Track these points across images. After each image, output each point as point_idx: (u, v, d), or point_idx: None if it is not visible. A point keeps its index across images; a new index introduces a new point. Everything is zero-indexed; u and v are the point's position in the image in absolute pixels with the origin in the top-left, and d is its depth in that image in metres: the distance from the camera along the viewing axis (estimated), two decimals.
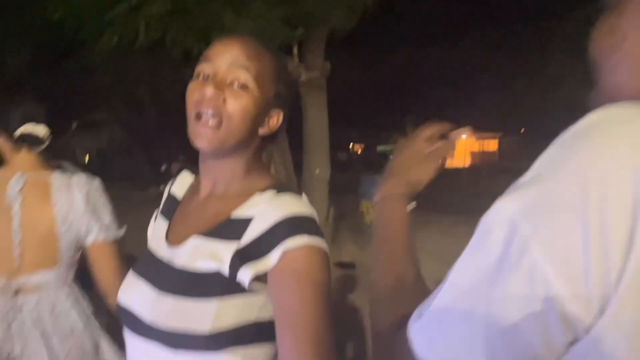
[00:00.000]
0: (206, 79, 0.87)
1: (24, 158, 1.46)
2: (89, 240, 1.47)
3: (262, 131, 0.93)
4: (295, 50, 5.69)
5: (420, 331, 0.60)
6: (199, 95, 0.86)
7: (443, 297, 0.60)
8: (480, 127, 38.06)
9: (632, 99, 0.55)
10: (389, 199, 0.88)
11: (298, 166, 5.52)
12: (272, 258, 0.79)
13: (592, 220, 0.46)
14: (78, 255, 1.51)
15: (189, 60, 6.14)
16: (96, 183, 1.55)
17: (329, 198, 6.38)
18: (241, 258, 0.82)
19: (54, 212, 1.41)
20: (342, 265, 5.92)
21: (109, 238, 1.50)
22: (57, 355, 1.34)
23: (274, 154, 1.01)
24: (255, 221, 0.83)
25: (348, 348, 3.74)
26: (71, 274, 1.50)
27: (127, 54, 5.46)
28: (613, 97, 0.59)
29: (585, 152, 0.50)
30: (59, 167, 1.54)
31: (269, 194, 0.87)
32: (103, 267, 1.47)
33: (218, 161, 0.92)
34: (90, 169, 2.31)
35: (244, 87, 0.86)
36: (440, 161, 0.96)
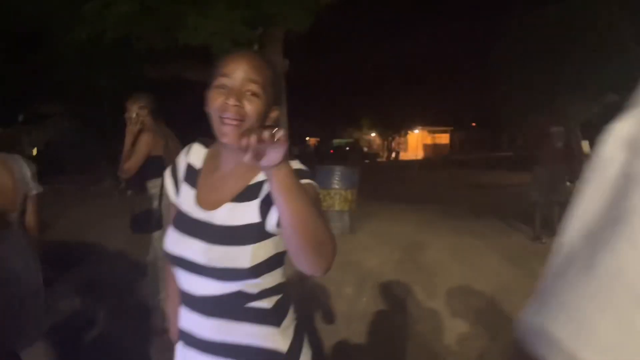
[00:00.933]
0: (224, 88, 1.16)
1: None
2: (31, 193, 2.32)
3: (267, 122, 1.21)
4: (256, 48, 6.04)
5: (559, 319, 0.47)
6: (221, 103, 1.13)
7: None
8: (433, 122, 39.19)
9: None
10: None
11: None
12: None
13: None
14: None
15: (152, 56, 6.40)
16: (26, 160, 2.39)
17: None
18: (264, 207, 1.15)
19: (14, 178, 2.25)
20: None
21: (39, 191, 2.36)
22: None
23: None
24: (266, 181, 1.14)
25: (316, 317, 4.17)
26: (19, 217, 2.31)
27: (91, 48, 5.63)
28: None
29: None
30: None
31: None
32: (33, 211, 2.35)
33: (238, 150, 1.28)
34: (38, 162, 2.65)
35: (255, 94, 1.15)
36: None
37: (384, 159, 37.84)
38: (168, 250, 1.24)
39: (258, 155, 0.86)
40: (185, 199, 1.29)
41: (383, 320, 3.98)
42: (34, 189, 2.36)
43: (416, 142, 42.92)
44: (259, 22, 5.57)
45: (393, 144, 40.56)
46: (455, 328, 3.78)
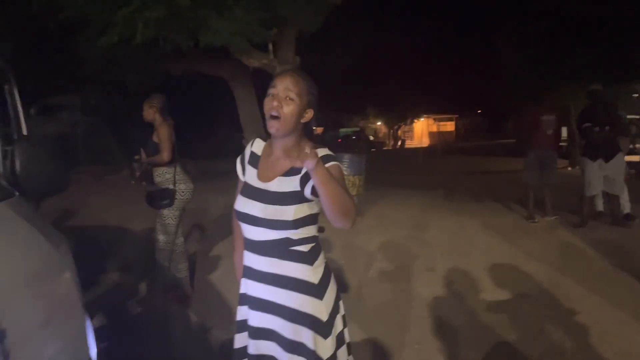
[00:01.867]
0: (272, 95, 1.73)
1: None
2: None
3: (303, 120, 1.74)
4: (270, 47, 6.57)
5: None
6: (269, 106, 1.70)
7: None
8: (438, 110, 39.48)
9: None
10: None
11: None
12: None
13: None
14: None
15: (175, 54, 6.94)
16: None
17: None
18: (303, 180, 1.67)
19: None
20: None
21: None
22: None
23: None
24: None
25: None
26: None
27: (120, 48, 6.15)
28: None
29: None
30: None
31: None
32: None
33: (283, 139, 1.78)
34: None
35: (291, 99, 1.69)
36: None
37: (390, 147, 38.28)
38: (237, 209, 1.80)
39: (301, 162, 1.43)
40: (249, 176, 1.85)
41: (390, 287, 4.56)
42: None
43: (422, 130, 43.24)
44: (273, 23, 6.08)
45: (399, 132, 40.96)
46: (452, 294, 4.36)
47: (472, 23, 33.17)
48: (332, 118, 33.67)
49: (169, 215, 4.20)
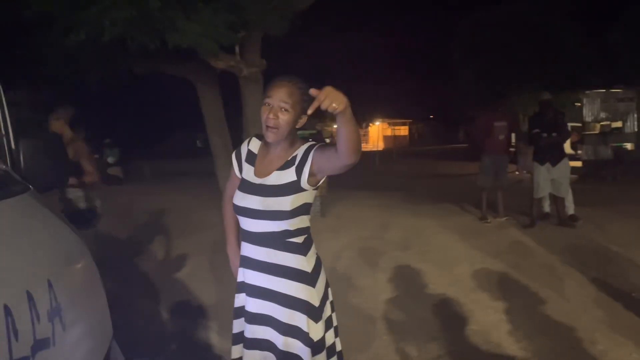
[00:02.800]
0: (268, 105, 1.87)
1: None
2: None
3: (297, 126, 1.93)
4: (237, 50, 6.66)
5: None
6: (266, 116, 1.83)
7: None
8: (393, 114, 40.28)
9: None
10: None
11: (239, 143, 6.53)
12: (309, 159, 1.83)
13: None
14: None
15: (143, 55, 6.91)
16: None
17: None
18: (298, 170, 1.83)
19: None
20: None
21: None
22: None
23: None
24: (297, 155, 1.85)
25: None
26: None
27: (85, 46, 6.09)
28: None
29: None
30: None
31: (302, 146, 1.90)
32: None
33: (280, 143, 1.92)
34: None
35: (286, 110, 1.87)
36: None
37: None
38: (236, 203, 1.94)
39: (330, 107, 1.53)
40: (247, 173, 1.99)
41: (354, 283, 4.76)
42: None
43: (377, 134, 43.95)
44: (241, 26, 6.19)
45: None
46: (413, 290, 4.61)
47: (428, 31, 34.05)
48: None
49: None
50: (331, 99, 1.52)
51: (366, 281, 4.79)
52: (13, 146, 1.95)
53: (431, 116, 43.94)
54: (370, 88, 31.45)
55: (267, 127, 1.85)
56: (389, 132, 44.52)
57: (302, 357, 1.82)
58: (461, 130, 36.57)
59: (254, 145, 2.05)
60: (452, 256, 5.55)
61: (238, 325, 1.99)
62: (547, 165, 6.70)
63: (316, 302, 1.87)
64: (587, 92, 14.56)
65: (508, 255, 5.54)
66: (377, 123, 42.99)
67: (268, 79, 2.05)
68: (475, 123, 7.87)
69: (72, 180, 3.83)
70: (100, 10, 5.37)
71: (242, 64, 6.70)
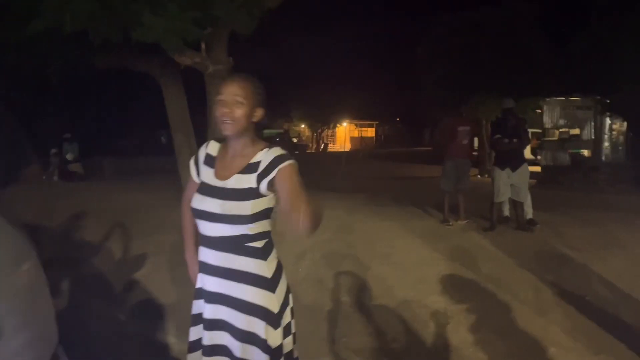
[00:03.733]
0: (221, 102, 1.84)
1: None
2: None
3: (254, 120, 1.87)
4: (203, 46, 6.54)
5: None
6: (220, 112, 1.82)
7: None
8: (360, 116, 40.58)
9: None
10: None
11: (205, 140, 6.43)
12: (273, 173, 1.79)
13: None
14: None
15: (103, 47, 6.72)
16: None
17: None
18: (259, 178, 1.78)
19: None
20: None
21: None
22: None
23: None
24: (262, 161, 1.80)
25: None
26: None
27: (45, 39, 5.88)
28: None
29: None
30: None
31: (265, 150, 1.84)
32: None
33: (237, 139, 1.90)
34: None
35: (240, 102, 1.83)
36: None
37: (313, 150, 38.77)
38: (195, 207, 1.88)
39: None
40: (206, 176, 1.94)
41: (316, 287, 4.75)
42: None
43: (344, 135, 44.20)
44: (207, 22, 6.08)
45: (322, 136, 41.59)
46: (374, 292, 4.63)
47: (397, 34, 34.47)
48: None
49: None
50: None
51: (327, 284, 4.79)
52: None
53: (398, 119, 44.50)
54: (339, 89, 31.64)
55: (223, 122, 1.84)
56: (356, 133, 44.83)
57: None
58: (427, 133, 37.19)
59: (213, 148, 2.01)
60: (413, 259, 5.60)
61: (195, 332, 1.94)
62: (508, 170, 6.86)
63: (275, 309, 1.83)
64: (548, 99, 15.02)
65: (468, 258, 5.63)
66: (345, 124, 43.24)
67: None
68: (439, 127, 7.97)
69: None
70: (60, 1, 5.20)
71: (208, 60, 6.58)
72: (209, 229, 1.85)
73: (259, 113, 1.89)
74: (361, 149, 30.51)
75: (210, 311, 1.87)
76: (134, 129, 27.31)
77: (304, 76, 28.81)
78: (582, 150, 14.55)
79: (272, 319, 1.82)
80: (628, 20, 11.78)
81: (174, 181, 8.38)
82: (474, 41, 14.32)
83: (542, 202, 7.99)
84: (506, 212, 7.47)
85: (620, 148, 16.04)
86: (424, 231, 6.95)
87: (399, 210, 8.65)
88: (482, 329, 3.75)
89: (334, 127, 42.85)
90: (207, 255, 1.87)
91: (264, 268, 1.84)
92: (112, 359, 3.27)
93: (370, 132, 45.70)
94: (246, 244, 1.83)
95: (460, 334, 3.67)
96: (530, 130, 9.04)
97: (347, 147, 41.54)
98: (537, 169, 14.18)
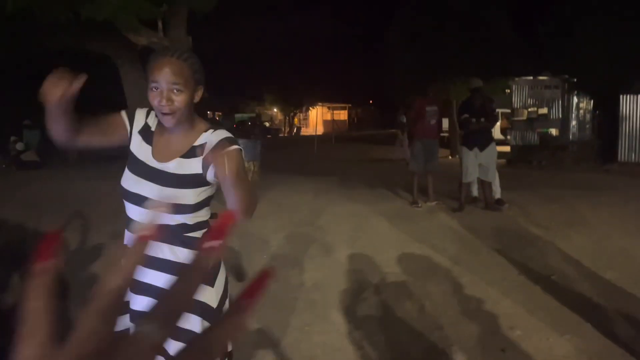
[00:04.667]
0: (157, 90, 1.60)
1: None
2: None
3: (195, 100, 1.71)
4: (160, 25, 6.27)
5: None
6: (157, 103, 1.59)
7: None
8: (332, 99, 40.33)
9: None
10: None
11: None
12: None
13: None
14: None
15: (53, 28, 6.37)
16: None
17: None
18: (204, 164, 1.61)
19: None
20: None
21: None
22: None
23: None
24: (207, 144, 1.66)
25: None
26: None
27: None
28: None
29: None
30: None
31: (210, 131, 1.70)
32: None
33: (179, 125, 1.68)
34: None
35: (179, 90, 1.62)
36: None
37: (285, 134, 38.45)
38: (126, 187, 1.68)
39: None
40: (141, 152, 1.72)
41: (282, 272, 4.60)
42: None
43: (316, 118, 43.93)
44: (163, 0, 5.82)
45: (295, 120, 41.24)
46: (343, 276, 4.52)
47: (369, 16, 34.17)
48: (229, 103, 33.11)
49: None
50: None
51: (293, 269, 4.65)
52: None
53: (370, 101, 44.38)
54: (311, 72, 31.27)
55: (163, 114, 1.61)
56: (328, 117, 44.59)
57: None
58: (400, 115, 37.21)
59: (152, 119, 1.78)
60: (382, 242, 5.51)
61: (122, 323, 1.76)
62: (475, 150, 6.80)
63: (214, 303, 1.68)
64: (517, 79, 15.04)
65: (436, 240, 5.57)
66: (317, 107, 42.94)
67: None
68: (411, 109, 7.85)
69: None
70: None
71: (166, 40, 6.31)
72: (141, 215, 1.65)
73: (200, 92, 1.70)
74: (333, 133, 30.30)
75: (141, 303, 1.69)
76: (97, 113, 26.54)
77: (276, 58, 28.37)
78: (550, 130, 14.66)
79: (209, 314, 1.65)
80: None
81: None
82: (441, 22, 14.23)
83: (510, 181, 7.99)
84: (475, 192, 7.44)
85: (587, 126, 16.25)
86: (393, 213, 6.87)
87: (369, 193, 8.55)
88: (448, 311, 3.67)
89: (307, 110, 42.51)
90: None
91: None
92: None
93: (343, 115, 45.48)
94: (185, 234, 1.66)
95: (425, 317, 3.59)
96: (499, 111, 9.00)
97: (320, 130, 41.31)
98: (507, 148, 14.25)
